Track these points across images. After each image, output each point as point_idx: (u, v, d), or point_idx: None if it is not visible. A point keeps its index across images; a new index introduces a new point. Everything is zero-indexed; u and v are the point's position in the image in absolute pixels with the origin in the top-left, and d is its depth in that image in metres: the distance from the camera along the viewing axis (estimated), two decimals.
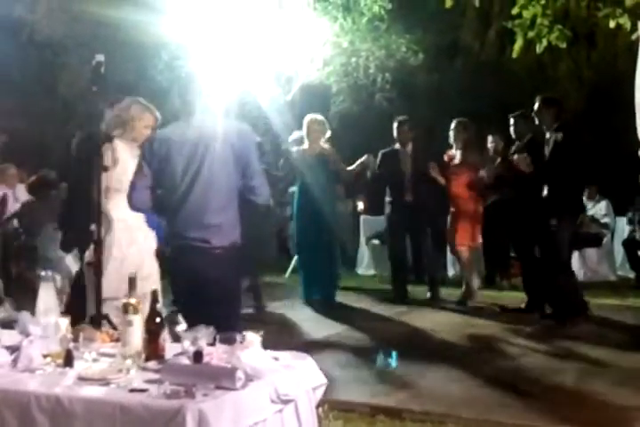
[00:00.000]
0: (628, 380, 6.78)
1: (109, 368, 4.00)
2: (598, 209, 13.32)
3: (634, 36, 6.95)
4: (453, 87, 13.84)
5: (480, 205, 10.78)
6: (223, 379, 3.71)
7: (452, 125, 10.49)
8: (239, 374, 3.73)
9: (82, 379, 3.90)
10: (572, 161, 8.98)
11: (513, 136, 9.68)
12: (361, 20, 13.38)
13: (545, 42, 7.20)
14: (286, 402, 3.93)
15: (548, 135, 9.19)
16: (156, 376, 3.86)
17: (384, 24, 13.54)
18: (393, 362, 6.69)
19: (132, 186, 6.02)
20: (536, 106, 9.22)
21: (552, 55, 10.28)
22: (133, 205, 6.07)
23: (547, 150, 9.19)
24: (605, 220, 13.39)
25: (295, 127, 10.86)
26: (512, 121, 9.65)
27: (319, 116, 10.54)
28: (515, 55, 7.43)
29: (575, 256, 12.76)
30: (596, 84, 14.18)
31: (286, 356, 4.24)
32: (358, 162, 10.54)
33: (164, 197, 5.99)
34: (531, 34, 7.20)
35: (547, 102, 9.15)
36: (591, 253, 13.11)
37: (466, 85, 14.04)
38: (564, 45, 7.24)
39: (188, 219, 5.90)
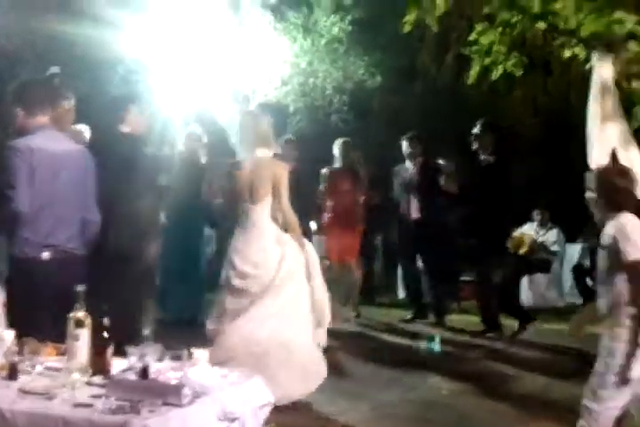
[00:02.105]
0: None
1: (54, 382, 3.96)
2: (549, 236, 13.43)
3: (587, 66, 7.02)
4: (409, 110, 13.91)
5: None
6: (169, 395, 3.68)
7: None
8: (186, 390, 3.71)
9: (25, 392, 3.85)
10: (500, 184, 9.29)
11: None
12: (320, 42, 13.47)
13: (501, 69, 7.26)
14: (233, 420, 3.90)
15: (482, 158, 9.57)
16: (101, 391, 3.82)
17: (343, 46, 13.63)
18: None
19: None
20: (475, 129, 9.57)
21: (508, 82, 10.35)
22: None
23: (477, 173, 9.57)
24: (555, 247, 13.50)
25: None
26: (406, 142, 10.59)
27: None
28: (471, 81, 7.48)
29: (524, 282, 12.91)
30: (551, 111, 14.34)
31: (233, 373, 4.22)
32: None
33: None
34: (487, 60, 7.25)
35: (485, 127, 9.58)
36: (540, 279, 13.21)
37: (422, 109, 14.13)
38: (520, 73, 7.31)
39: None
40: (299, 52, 13.58)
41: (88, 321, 4.10)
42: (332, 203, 10.71)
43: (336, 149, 10.83)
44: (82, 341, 4.09)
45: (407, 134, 10.80)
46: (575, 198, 13.41)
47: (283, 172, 6.89)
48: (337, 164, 10.82)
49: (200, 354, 4.18)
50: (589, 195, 5.25)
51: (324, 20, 13.72)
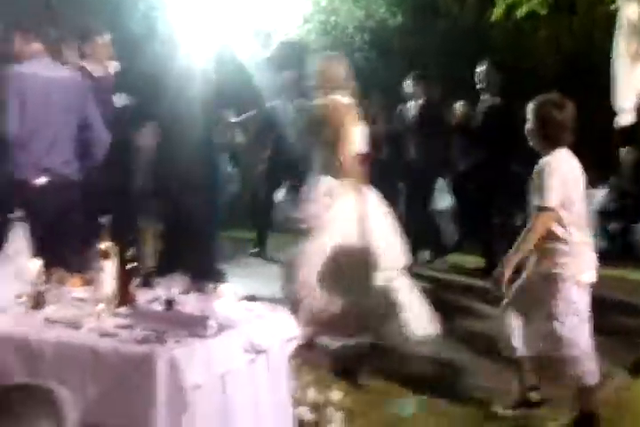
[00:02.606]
0: None
1: (80, 312, 3.97)
2: None
3: (613, 6, 6.91)
4: (431, 50, 13.70)
5: None
6: (195, 326, 3.69)
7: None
8: (211, 322, 3.71)
9: (52, 321, 3.87)
10: (503, 126, 9.16)
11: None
12: None
13: (525, 7, 7.12)
14: (259, 352, 3.91)
15: (484, 97, 9.38)
16: (127, 322, 3.83)
17: None
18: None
19: None
20: (479, 68, 9.34)
21: (532, 21, 10.19)
22: None
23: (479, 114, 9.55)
24: None
25: (273, 83, 10.71)
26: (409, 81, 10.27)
27: None
28: (495, 19, 7.35)
29: None
30: (574, 52, 14.12)
31: (260, 307, 4.21)
32: None
33: None
34: None
35: (490, 66, 9.35)
36: None
37: (443, 48, 13.91)
38: (544, 12, 7.17)
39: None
40: None
41: (114, 252, 4.09)
42: None
43: None
44: (107, 272, 4.08)
45: (411, 73, 10.58)
46: (596, 140, 13.38)
47: (349, 117, 6.63)
48: None
49: (226, 287, 4.17)
50: (528, 126, 5.20)
51: None
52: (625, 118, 6.98)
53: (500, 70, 9.49)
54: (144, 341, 3.56)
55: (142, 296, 4.19)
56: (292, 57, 13.06)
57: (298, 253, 6.61)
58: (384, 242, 6.55)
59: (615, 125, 7.11)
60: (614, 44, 6.85)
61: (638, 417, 5.46)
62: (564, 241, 5.02)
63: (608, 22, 7.06)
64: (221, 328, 3.74)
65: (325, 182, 6.59)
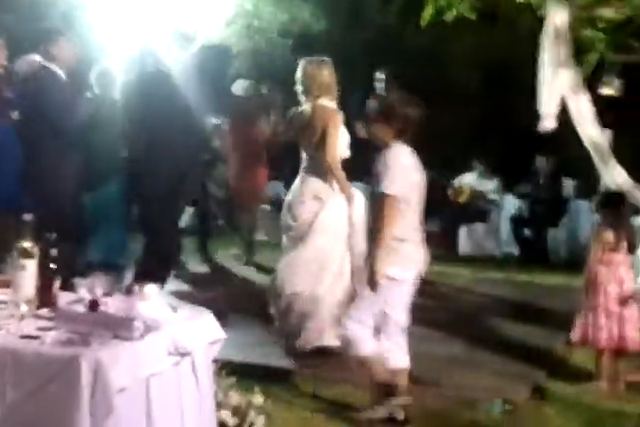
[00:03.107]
0: None
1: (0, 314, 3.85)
2: (488, 185, 13.47)
3: (539, 13, 7.01)
4: (354, 56, 13.77)
5: None
6: (120, 328, 3.61)
7: None
8: (137, 324, 3.63)
9: None
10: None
11: None
12: None
13: (454, 11, 7.18)
14: (183, 355, 3.85)
15: None
16: (49, 324, 3.73)
17: None
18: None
19: None
20: (377, 74, 9.24)
21: (457, 29, 10.24)
22: None
23: None
24: (493, 197, 13.56)
25: (193, 86, 10.57)
26: None
27: None
28: (423, 22, 7.39)
29: (463, 231, 13.00)
30: (495, 61, 14.33)
31: (185, 309, 4.14)
32: None
33: None
34: (442, 2, 7.17)
35: (388, 72, 9.25)
36: (478, 228, 13.27)
37: (365, 55, 14.00)
38: (473, 17, 7.24)
39: None
40: None
41: (35, 251, 3.97)
42: None
43: None
44: (28, 272, 3.96)
45: None
46: (515, 148, 13.55)
47: (334, 121, 6.76)
48: None
49: (150, 289, 4.09)
50: (371, 118, 5.27)
51: None
52: (548, 124, 7.09)
53: (395, 77, 9.31)
54: (68, 343, 3.47)
55: (64, 297, 4.08)
56: (214, 60, 13.00)
57: (292, 260, 6.62)
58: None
59: (539, 131, 7.20)
60: (541, 50, 6.96)
61: None
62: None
63: (534, 29, 7.15)
64: (146, 330, 3.66)
65: (314, 185, 6.69)
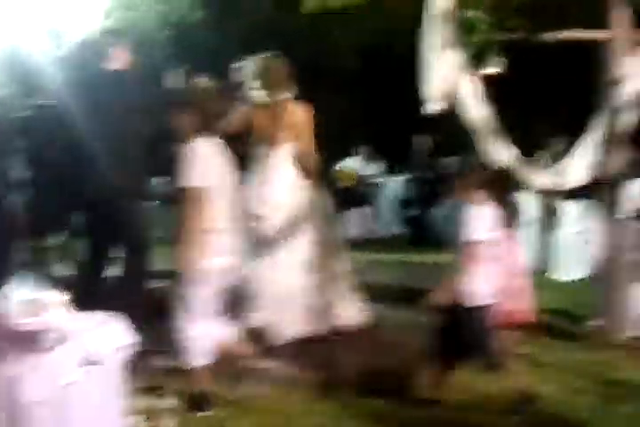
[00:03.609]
0: None
1: None
2: (372, 169, 13.67)
3: None
4: (232, 45, 13.72)
5: None
6: (30, 341, 3.58)
7: None
8: (46, 335, 3.60)
9: None
10: None
11: None
12: None
13: None
14: (94, 363, 3.83)
15: None
16: None
17: None
18: None
19: None
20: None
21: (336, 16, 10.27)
22: None
23: None
24: (378, 179, 13.77)
25: (70, 83, 10.35)
26: None
27: None
28: (306, 11, 7.36)
29: (351, 214, 13.14)
30: (378, 45, 14.47)
31: (93, 317, 4.11)
32: None
33: None
34: None
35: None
36: (365, 211, 13.45)
37: (244, 44, 13.97)
38: (359, 2, 7.21)
39: None
40: None
41: None
42: None
43: None
44: None
45: None
46: (398, 131, 13.74)
47: (307, 116, 6.88)
48: None
49: (56, 297, 4.04)
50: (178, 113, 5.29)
51: None
52: (433, 106, 7.18)
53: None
54: None
55: None
56: (91, 56, 12.80)
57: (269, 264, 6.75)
58: None
59: (422, 113, 7.29)
60: (425, 32, 7.04)
61: None
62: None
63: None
64: (56, 340, 3.64)
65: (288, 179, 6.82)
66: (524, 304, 6.34)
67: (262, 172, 6.86)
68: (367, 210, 13.46)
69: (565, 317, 7.68)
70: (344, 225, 12.92)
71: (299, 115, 6.89)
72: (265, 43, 13.98)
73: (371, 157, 13.72)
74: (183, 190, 5.06)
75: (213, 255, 5.13)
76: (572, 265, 9.80)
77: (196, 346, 5.18)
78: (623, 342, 6.89)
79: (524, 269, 6.47)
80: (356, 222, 13.25)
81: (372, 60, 15.24)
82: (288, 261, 6.76)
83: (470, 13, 7.26)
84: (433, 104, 7.14)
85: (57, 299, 4.02)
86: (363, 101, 15.31)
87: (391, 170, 14.36)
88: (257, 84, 6.96)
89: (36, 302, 3.98)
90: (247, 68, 7.01)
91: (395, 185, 14.08)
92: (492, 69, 7.62)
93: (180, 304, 5.21)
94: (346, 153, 13.86)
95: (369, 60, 15.27)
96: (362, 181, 13.24)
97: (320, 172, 8.60)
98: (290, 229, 6.80)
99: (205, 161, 5.09)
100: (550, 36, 7.22)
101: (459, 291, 5.28)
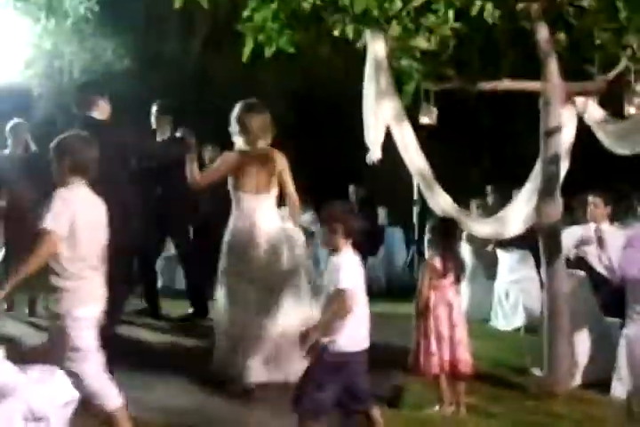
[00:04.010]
0: None
1: None
2: (304, 217, 13.54)
3: (359, 44, 7.11)
4: (157, 94, 13.64)
5: None
6: None
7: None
8: None
9: None
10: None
11: None
12: (65, 22, 12.87)
13: (274, 46, 7.16)
14: (39, 419, 3.61)
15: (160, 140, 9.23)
16: None
17: (90, 26, 13.11)
18: None
19: None
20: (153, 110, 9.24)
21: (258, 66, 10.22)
22: None
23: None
24: (310, 228, 13.64)
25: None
26: None
27: None
28: (244, 59, 7.34)
29: None
30: (308, 93, 14.50)
31: (34, 371, 3.89)
32: None
33: None
34: (261, 37, 7.14)
35: (160, 108, 9.53)
36: None
37: (170, 93, 13.90)
38: (291, 50, 7.24)
39: None
40: (42, 34, 12.90)
41: None
42: None
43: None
44: None
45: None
46: (329, 179, 13.66)
47: (285, 162, 7.00)
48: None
49: None
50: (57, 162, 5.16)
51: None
52: (375, 154, 7.20)
53: (167, 112, 9.32)
54: None
55: None
56: (16, 104, 12.55)
57: None
58: None
59: (367, 161, 7.29)
60: (364, 80, 7.08)
61: None
62: (63, 276, 4.95)
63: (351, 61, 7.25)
64: (2, 396, 3.41)
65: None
66: (464, 355, 6.27)
67: (248, 216, 6.86)
68: None
69: (505, 366, 7.59)
70: None
71: (283, 162, 6.97)
72: (193, 91, 14.03)
73: (303, 206, 13.60)
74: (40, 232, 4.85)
75: (82, 302, 4.90)
76: (510, 314, 9.74)
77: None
78: (567, 391, 6.81)
79: (463, 319, 6.40)
80: None
81: (305, 108, 15.25)
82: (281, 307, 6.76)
83: (404, 62, 7.32)
84: (373, 152, 7.15)
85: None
86: (297, 146, 15.28)
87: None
88: (238, 129, 6.99)
89: None
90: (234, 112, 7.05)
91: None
92: (425, 119, 7.67)
93: None
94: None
95: (302, 109, 15.28)
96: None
97: None
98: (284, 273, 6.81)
99: (71, 207, 4.90)
100: (485, 86, 7.24)
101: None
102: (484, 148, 14.00)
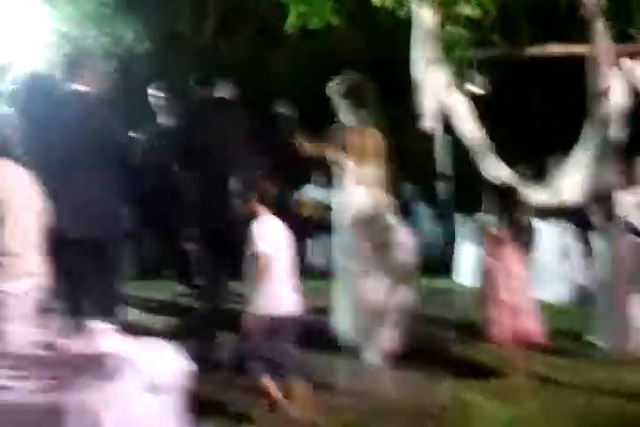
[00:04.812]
0: None
1: None
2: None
3: (402, 13, 7.05)
4: (179, 74, 13.60)
5: None
6: (96, 369, 3.33)
7: None
8: (112, 363, 3.34)
9: None
10: None
11: None
12: (85, 6, 12.82)
13: (317, 18, 7.06)
14: (159, 390, 3.58)
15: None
16: (12, 371, 3.36)
17: (110, 10, 13.06)
18: None
19: None
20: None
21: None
22: None
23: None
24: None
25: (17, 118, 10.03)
26: None
27: None
28: (288, 29, 7.24)
29: (312, 243, 12.98)
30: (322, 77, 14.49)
31: (147, 343, 3.85)
32: None
33: None
34: (302, 8, 7.03)
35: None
36: (326, 239, 13.28)
37: (189, 73, 13.87)
38: (337, 21, 7.14)
39: None
40: (63, 19, 12.85)
41: None
42: None
43: None
44: None
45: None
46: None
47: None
48: None
49: (105, 325, 3.78)
50: None
51: None
52: (427, 123, 7.14)
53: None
54: (48, 389, 3.14)
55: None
56: (37, 89, 12.49)
57: None
58: None
59: (420, 128, 7.22)
60: (412, 50, 7.01)
61: None
62: None
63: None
64: (121, 368, 3.37)
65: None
66: (532, 324, 6.21)
67: (349, 189, 6.73)
68: (327, 238, 13.25)
69: (561, 336, 7.54)
70: (306, 254, 12.84)
71: (380, 137, 6.76)
72: (209, 71, 13.96)
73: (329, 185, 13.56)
74: None
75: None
76: (554, 286, 9.68)
77: None
78: (635, 358, 6.76)
79: (527, 288, 6.33)
80: (317, 251, 13.06)
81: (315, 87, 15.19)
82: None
83: (451, 29, 7.25)
84: (426, 121, 7.10)
85: (105, 326, 3.77)
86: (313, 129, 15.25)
87: None
88: (346, 103, 6.79)
89: (83, 328, 3.73)
90: (335, 87, 6.86)
91: None
92: (474, 88, 7.61)
93: None
94: (304, 181, 13.71)
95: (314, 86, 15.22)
96: (321, 209, 13.05)
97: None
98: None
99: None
100: (533, 51, 7.18)
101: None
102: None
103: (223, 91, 7.01)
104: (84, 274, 5.54)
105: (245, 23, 14.83)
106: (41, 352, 3.55)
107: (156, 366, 3.62)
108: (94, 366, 3.33)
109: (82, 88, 6.15)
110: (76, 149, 5.69)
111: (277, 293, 4.99)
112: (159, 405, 3.61)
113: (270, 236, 5.00)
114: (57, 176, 5.29)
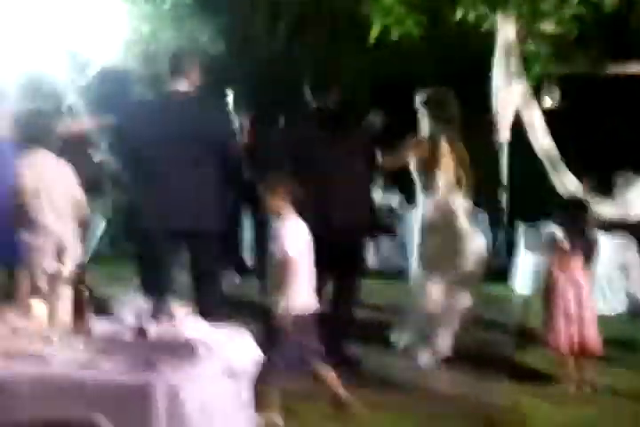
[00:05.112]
0: None
1: (38, 343, 3.67)
2: (391, 199, 13.62)
3: (485, 26, 7.14)
4: (251, 76, 13.79)
5: None
6: (185, 353, 3.55)
7: None
8: (198, 347, 3.56)
9: (10, 356, 3.56)
10: None
11: None
12: (163, 6, 13.06)
13: (399, 29, 7.22)
14: (236, 375, 3.79)
15: None
16: (104, 353, 3.58)
17: (187, 10, 13.28)
18: None
19: None
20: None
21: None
22: None
23: None
24: (397, 210, 13.71)
25: (92, 112, 10.27)
26: None
27: None
28: (372, 40, 7.41)
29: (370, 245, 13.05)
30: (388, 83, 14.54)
31: (225, 328, 4.06)
32: None
33: None
34: (389, 19, 7.21)
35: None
36: (384, 242, 13.36)
37: (262, 74, 14.05)
38: (419, 33, 7.29)
39: None
40: (140, 17, 13.08)
41: (70, 279, 3.83)
42: None
43: None
44: (64, 299, 3.82)
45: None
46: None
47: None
48: None
49: (185, 310, 4.00)
50: None
51: None
52: (504, 135, 7.25)
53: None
54: (137, 370, 3.35)
55: (98, 324, 3.94)
56: (114, 84, 12.75)
57: None
58: None
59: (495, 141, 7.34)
60: (493, 63, 7.12)
61: None
62: None
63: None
64: (205, 353, 3.58)
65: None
66: (593, 334, 6.31)
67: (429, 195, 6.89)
68: (386, 241, 13.36)
69: (618, 348, 7.60)
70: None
71: (463, 149, 6.90)
72: (282, 73, 14.13)
73: (390, 188, 13.66)
74: None
75: None
76: (612, 299, 9.73)
77: None
78: None
79: (592, 300, 6.44)
80: (373, 253, 13.14)
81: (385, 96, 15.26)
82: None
83: (531, 45, 7.34)
84: (503, 133, 7.20)
85: (185, 311, 3.99)
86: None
87: (409, 201, 14.29)
88: (430, 114, 6.90)
89: (167, 313, 3.94)
90: (420, 98, 6.96)
91: (415, 216, 13.96)
92: (548, 102, 7.70)
93: None
94: None
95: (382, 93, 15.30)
96: (381, 211, 13.13)
97: None
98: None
99: None
100: (614, 69, 7.21)
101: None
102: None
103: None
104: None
105: (318, 27, 14.98)
106: (129, 337, 3.78)
107: (236, 351, 3.83)
108: (179, 350, 3.54)
109: (186, 88, 6.27)
110: (189, 146, 5.83)
111: (301, 292, 5.06)
112: (235, 389, 3.81)
113: (297, 238, 5.08)
114: (169, 172, 5.54)
